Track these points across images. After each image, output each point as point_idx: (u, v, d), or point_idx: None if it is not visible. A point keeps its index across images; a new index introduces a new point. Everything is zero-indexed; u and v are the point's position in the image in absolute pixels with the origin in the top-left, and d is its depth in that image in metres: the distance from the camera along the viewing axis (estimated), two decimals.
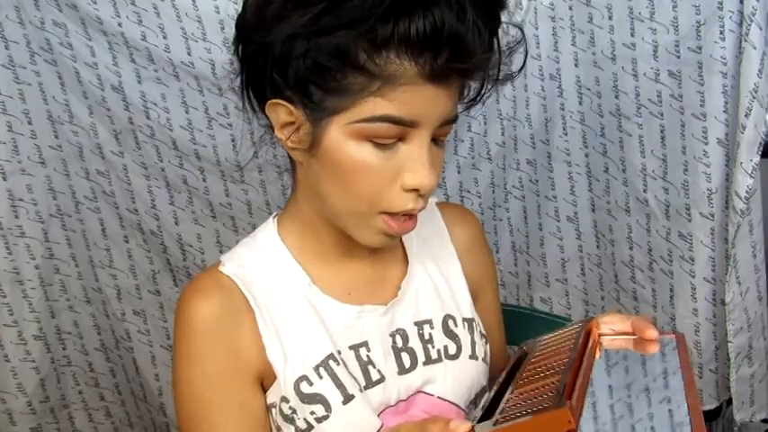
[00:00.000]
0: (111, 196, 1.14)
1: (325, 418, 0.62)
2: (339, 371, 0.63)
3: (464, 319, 0.71)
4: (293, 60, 0.55)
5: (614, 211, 1.08)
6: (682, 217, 0.99)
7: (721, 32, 0.87)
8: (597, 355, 0.57)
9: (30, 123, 1.07)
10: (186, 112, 1.07)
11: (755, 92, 0.85)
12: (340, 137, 0.57)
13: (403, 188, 0.58)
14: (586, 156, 1.09)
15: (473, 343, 0.70)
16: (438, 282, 0.72)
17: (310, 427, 0.62)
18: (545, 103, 1.07)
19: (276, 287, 0.66)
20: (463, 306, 0.72)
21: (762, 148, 0.88)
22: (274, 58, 0.56)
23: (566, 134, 1.08)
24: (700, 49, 0.90)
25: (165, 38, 1.01)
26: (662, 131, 0.97)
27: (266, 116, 0.61)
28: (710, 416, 1.10)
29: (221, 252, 1.11)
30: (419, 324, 0.69)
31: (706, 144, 0.93)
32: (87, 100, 1.08)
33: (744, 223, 0.91)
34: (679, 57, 0.92)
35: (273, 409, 0.64)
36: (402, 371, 0.67)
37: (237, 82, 0.64)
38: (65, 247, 1.15)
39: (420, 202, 0.60)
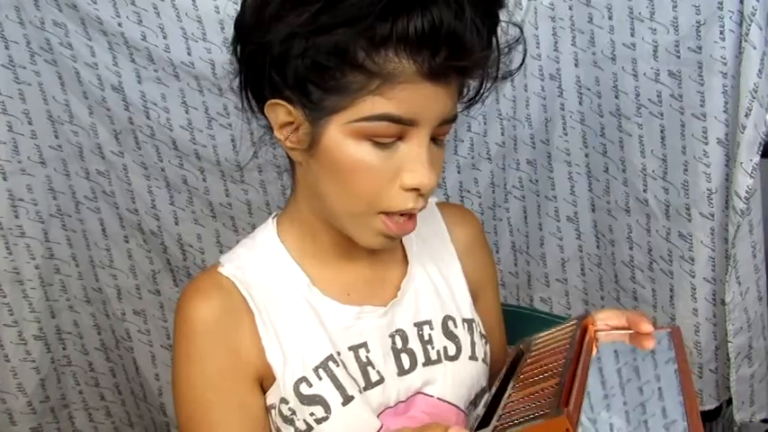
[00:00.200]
0: (111, 196, 1.15)
1: (325, 419, 0.62)
2: (338, 372, 0.63)
3: (464, 320, 0.71)
4: (292, 60, 0.55)
5: (614, 211, 1.08)
6: (682, 217, 0.99)
7: (721, 32, 0.87)
8: (594, 352, 0.57)
9: (30, 123, 1.07)
10: (186, 112, 1.07)
11: (755, 92, 0.85)
12: (339, 136, 0.57)
13: (402, 187, 0.58)
14: (586, 156, 1.09)
15: (473, 344, 0.70)
16: (438, 282, 0.72)
17: (310, 428, 0.62)
18: (545, 103, 1.07)
19: (275, 288, 0.66)
20: (463, 307, 0.72)
21: (762, 148, 0.88)
22: (273, 58, 0.56)
23: (566, 134, 1.08)
24: (700, 49, 0.90)
25: (165, 38, 1.01)
26: (662, 131, 0.97)
27: (265, 117, 0.61)
28: (710, 416, 1.10)
29: (221, 252, 1.11)
30: (419, 325, 0.69)
31: (706, 144, 0.93)
32: (87, 100, 1.08)
33: (744, 223, 0.91)
34: (679, 57, 0.92)
35: (273, 411, 0.64)
36: (401, 372, 0.67)
37: (237, 82, 0.64)
38: (65, 247, 1.15)
39: (420, 201, 0.60)
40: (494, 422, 0.49)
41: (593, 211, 1.12)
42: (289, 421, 0.63)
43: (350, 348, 0.65)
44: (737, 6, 0.85)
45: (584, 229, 1.13)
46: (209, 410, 0.63)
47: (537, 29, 1.03)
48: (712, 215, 0.96)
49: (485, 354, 0.72)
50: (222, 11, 0.99)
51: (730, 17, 0.86)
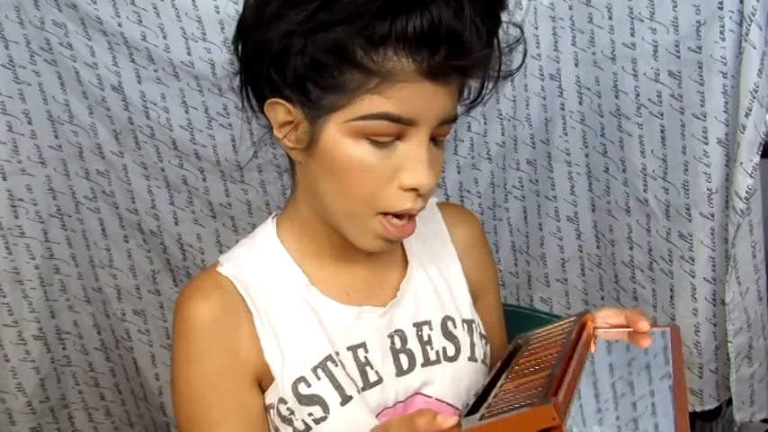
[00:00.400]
0: (111, 196, 1.14)
1: (323, 419, 0.62)
2: (337, 372, 0.63)
3: (464, 321, 0.71)
4: (291, 58, 0.55)
5: (614, 211, 1.08)
6: (682, 217, 0.99)
7: (721, 32, 0.87)
8: (592, 348, 0.57)
9: (30, 123, 1.07)
10: (186, 112, 1.07)
11: (755, 92, 0.85)
12: (337, 135, 0.57)
13: (401, 187, 0.58)
14: (586, 156, 1.09)
15: (472, 345, 0.70)
16: (438, 283, 0.72)
17: (308, 428, 0.62)
18: (545, 103, 1.07)
19: (274, 288, 0.66)
20: (463, 307, 0.72)
21: (762, 148, 0.88)
22: (272, 56, 0.56)
23: (566, 134, 1.08)
24: (700, 48, 0.90)
25: (164, 38, 1.01)
26: (662, 131, 0.97)
27: (266, 116, 0.61)
28: (710, 416, 1.10)
29: (221, 252, 1.11)
30: (418, 325, 0.69)
31: (706, 144, 0.93)
32: (87, 100, 1.08)
33: (744, 223, 0.91)
34: (679, 57, 0.92)
35: (271, 410, 0.64)
36: (400, 372, 0.66)
37: (237, 82, 0.64)
38: (65, 247, 1.15)
39: (419, 202, 0.59)
40: (482, 410, 0.49)
41: (593, 211, 1.12)
42: (287, 421, 0.63)
43: (349, 348, 0.65)
44: (737, 6, 0.85)
45: (585, 229, 1.13)
46: (209, 410, 0.63)
47: (537, 29, 1.03)
48: (712, 215, 0.96)
49: (484, 354, 0.71)
50: (222, 11, 0.99)
51: (730, 17, 0.86)
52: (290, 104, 0.58)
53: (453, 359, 0.69)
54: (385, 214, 0.59)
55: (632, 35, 0.95)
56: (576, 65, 1.03)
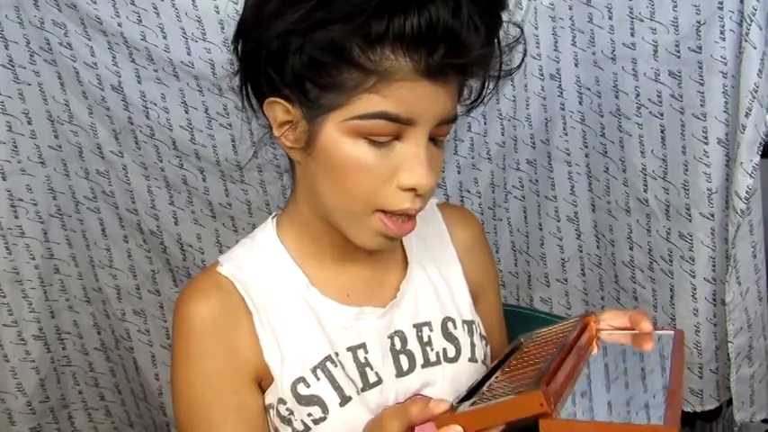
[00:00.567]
0: (111, 196, 1.14)
1: (323, 419, 0.62)
2: (337, 372, 0.63)
3: (464, 322, 0.71)
4: (289, 57, 0.55)
5: (614, 211, 1.08)
6: (682, 217, 0.99)
7: (721, 32, 0.87)
8: (595, 350, 0.57)
9: (29, 123, 1.07)
10: (186, 112, 1.07)
11: (756, 92, 0.85)
12: (335, 134, 0.57)
13: (399, 187, 0.58)
14: (586, 156, 1.09)
15: (472, 346, 0.70)
16: (438, 283, 0.72)
17: (307, 428, 0.62)
18: (545, 103, 1.07)
19: (274, 288, 0.66)
20: (463, 308, 0.72)
21: (762, 148, 0.88)
22: (271, 56, 0.56)
23: (566, 134, 1.08)
24: (700, 48, 0.90)
25: (164, 38, 1.01)
26: (662, 131, 0.97)
27: (265, 115, 0.61)
28: (710, 416, 1.10)
29: (221, 252, 1.11)
30: (418, 326, 0.69)
31: (706, 144, 0.93)
32: (87, 100, 1.08)
33: (744, 223, 0.91)
34: (679, 57, 0.92)
35: (271, 410, 0.64)
36: (400, 373, 0.66)
37: (237, 81, 0.64)
38: (65, 247, 1.15)
39: (417, 202, 0.59)
40: (474, 398, 0.50)
41: (593, 211, 1.12)
42: (286, 421, 0.63)
43: (348, 349, 0.65)
44: (737, 6, 0.85)
45: (584, 229, 1.13)
46: (209, 410, 0.63)
47: (537, 29, 1.03)
48: (712, 215, 0.95)
49: (485, 355, 0.71)
50: (222, 11, 0.99)
51: (730, 17, 0.86)
52: (288, 104, 0.58)
53: (454, 360, 0.69)
54: (385, 212, 0.59)
55: (632, 35, 0.95)
56: (576, 65, 1.03)
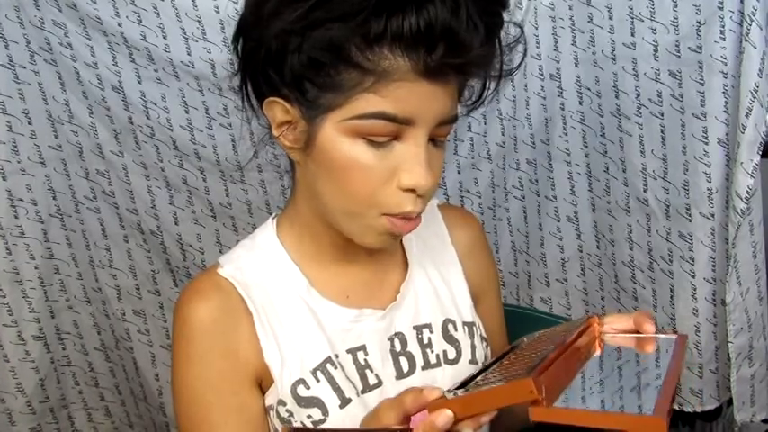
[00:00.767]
0: (111, 196, 1.14)
1: (322, 421, 0.62)
2: (336, 374, 0.63)
3: (464, 323, 0.71)
4: (288, 56, 0.55)
5: (614, 211, 1.08)
6: (682, 217, 0.99)
7: (721, 32, 0.87)
8: (597, 352, 0.57)
9: (30, 123, 1.07)
10: (186, 112, 1.07)
11: (756, 92, 0.85)
12: (334, 134, 0.57)
13: (399, 188, 0.58)
14: (586, 156, 1.09)
15: (473, 347, 0.70)
16: (438, 285, 0.72)
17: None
18: (545, 103, 1.07)
19: (274, 289, 0.66)
20: (464, 309, 0.72)
21: (762, 148, 0.88)
22: (270, 55, 0.56)
23: (566, 134, 1.08)
24: (700, 48, 0.90)
25: (164, 38, 1.01)
26: (662, 131, 0.97)
27: (265, 115, 0.61)
28: (710, 416, 1.10)
29: (221, 252, 1.11)
30: (418, 328, 0.69)
31: (706, 144, 0.93)
32: (87, 100, 1.08)
33: (744, 223, 0.91)
34: (679, 56, 0.92)
35: (271, 412, 0.64)
36: (400, 375, 0.66)
37: (237, 81, 0.64)
38: (65, 247, 1.15)
39: (419, 203, 0.59)
40: (469, 386, 0.51)
41: (593, 211, 1.12)
42: (286, 423, 0.63)
43: (348, 351, 0.65)
44: (738, 6, 0.85)
45: (584, 229, 1.13)
46: (209, 411, 0.63)
47: (537, 29, 1.03)
48: (712, 215, 0.95)
49: (485, 357, 0.71)
50: (222, 11, 0.99)
51: (730, 17, 0.86)
52: (287, 104, 0.58)
53: (454, 362, 0.69)
54: (388, 215, 0.59)
55: (632, 35, 0.95)
56: (576, 65, 1.03)
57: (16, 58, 1.04)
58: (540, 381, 0.45)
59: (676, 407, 1.07)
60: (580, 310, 1.18)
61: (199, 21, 1.00)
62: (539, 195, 1.14)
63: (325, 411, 0.62)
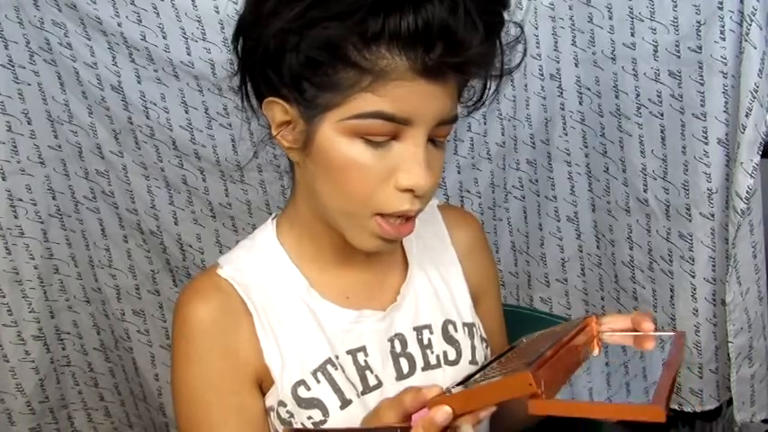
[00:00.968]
0: (111, 196, 1.14)
1: (323, 422, 0.62)
2: (337, 375, 0.63)
3: (464, 324, 0.71)
4: (286, 55, 0.55)
5: (614, 211, 1.08)
6: (682, 217, 0.99)
7: (721, 32, 0.87)
8: (596, 351, 0.57)
9: (29, 123, 1.07)
10: (186, 112, 1.07)
11: (756, 92, 0.85)
12: (332, 134, 0.56)
13: (397, 188, 0.57)
14: (586, 156, 1.09)
15: (473, 348, 0.70)
16: (438, 286, 0.72)
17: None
18: (545, 103, 1.07)
19: (274, 290, 0.66)
20: (464, 310, 0.72)
21: (762, 148, 0.88)
22: (269, 54, 0.56)
23: (566, 134, 1.08)
24: (700, 48, 0.90)
25: (164, 38, 1.01)
26: (662, 131, 0.97)
27: (264, 115, 0.61)
28: (710, 416, 1.10)
29: (221, 252, 1.10)
30: (418, 329, 0.69)
31: (706, 144, 0.93)
32: (87, 100, 1.08)
33: (744, 223, 0.91)
34: (679, 56, 0.92)
35: (271, 413, 0.64)
36: (400, 376, 0.66)
37: (237, 81, 0.64)
38: (64, 247, 1.15)
39: (416, 203, 0.59)
40: (468, 383, 0.51)
41: (593, 211, 1.12)
42: (287, 424, 0.63)
43: (348, 352, 0.65)
44: (737, 6, 0.85)
45: (584, 229, 1.13)
46: (209, 411, 0.63)
47: (537, 29, 1.03)
48: (712, 215, 0.95)
49: (485, 358, 0.71)
50: (222, 11, 0.99)
51: (730, 17, 0.86)
52: (286, 103, 0.58)
53: (454, 363, 0.69)
54: (382, 215, 0.59)
55: (632, 35, 0.95)
56: (576, 65, 1.03)
57: (16, 58, 1.04)
58: (538, 374, 0.45)
59: (676, 406, 1.07)
60: (580, 310, 1.18)
61: (199, 21, 1.00)
62: (539, 195, 1.14)
63: (325, 413, 0.62)
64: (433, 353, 0.68)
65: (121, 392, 1.27)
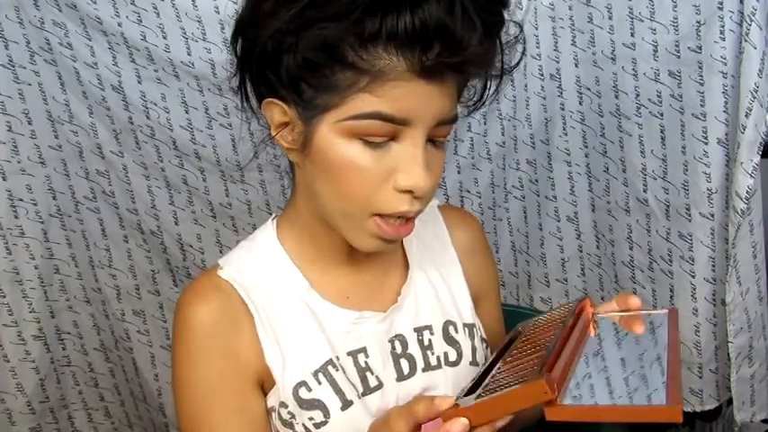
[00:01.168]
0: (111, 196, 1.14)
1: (324, 423, 0.62)
2: (338, 376, 0.63)
3: (465, 325, 0.71)
4: (284, 56, 0.55)
5: (614, 211, 1.08)
6: (682, 217, 0.99)
7: (721, 32, 0.87)
8: (592, 333, 0.57)
9: (30, 123, 1.07)
10: (186, 112, 1.07)
11: (756, 92, 0.85)
12: (330, 135, 0.56)
13: (396, 189, 0.57)
14: (586, 156, 1.09)
15: (473, 349, 0.70)
16: (439, 286, 0.72)
17: None
18: (545, 103, 1.07)
19: (275, 291, 0.65)
20: (464, 311, 0.72)
21: (762, 148, 0.88)
22: (267, 56, 0.56)
23: (566, 134, 1.08)
24: (700, 48, 0.90)
25: (165, 38, 1.01)
26: (662, 131, 0.97)
27: (264, 116, 0.61)
28: (710, 416, 1.10)
29: (221, 252, 1.11)
30: (419, 330, 0.69)
31: (706, 144, 0.93)
32: (87, 100, 1.08)
33: (744, 223, 0.91)
34: (679, 57, 0.92)
35: (273, 414, 0.64)
36: (401, 377, 0.66)
37: (236, 82, 0.63)
38: (64, 247, 1.15)
39: (416, 204, 0.58)
40: (479, 390, 0.50)
41: (593, 211, 1.12)
42: (288, 425, 0.63)
43: (349, 353, 0.65)
44: (737, 6, 0.85)
45: (584, 229, 1.13)
46: (210, 412, 0.62)
47: (537, 29, 1.03)
48: (712, 215, 0.95)
49: (485, 358, 0.71)
50: (222, 11, 0.99)
51: (730, 17, 0.86)
52: (285, 105, 0.58)
53: (455, 364, 0.68)
54: (381, 215, 0.59)
55: (632, 35, 0.95)
56: (576, 65, 1.03)
57: (16, 58, 1.04)
58: (552, 380, 0.44)
59: None
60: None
61: (199, 21, 1.00)
62: (539, 195, 1.14)
63: (326, 414, 0.62)
64: (433, 354, 0.68)
65: (121, 393, 1.27)
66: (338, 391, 0.62)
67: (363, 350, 0.65)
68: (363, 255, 0.66)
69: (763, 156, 0.89)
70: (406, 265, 0.72)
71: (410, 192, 0.57)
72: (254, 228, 0.72)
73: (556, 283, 1.18)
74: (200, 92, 1.06)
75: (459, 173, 1.14)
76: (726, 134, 0.91)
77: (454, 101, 0.58)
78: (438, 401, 0.50)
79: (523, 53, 0.62)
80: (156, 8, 1.00)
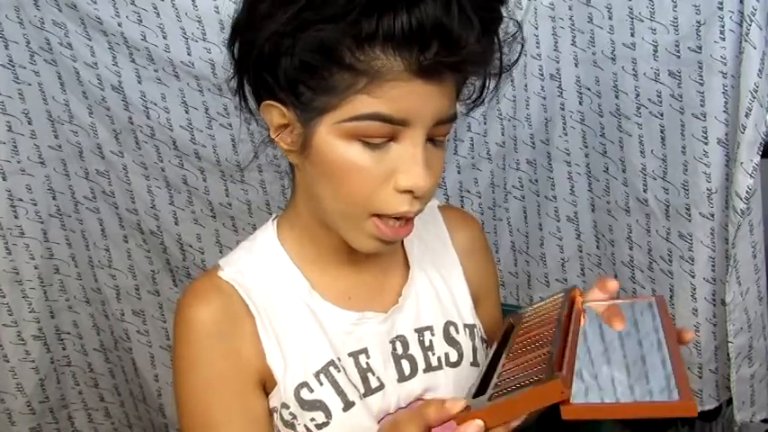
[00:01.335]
0: (111, 196, 1.14)
1: (326, 424, 0.62)
2: (339, 377, 0.63)
3: (465, 325, 0.71)
4: (281, 59, 0.55)
5: (614, 211, 1.08)
6: (682, 217, 0.99)
7: (721, 32, 0.87)
8: (582, 322, 0.57)
9: (29, 123, 1.07)
10: (186, 112, 1.07)
11: (756, 92, 0.85)
12: (329, 137, 0.56)
13: (396, 189, 0.57)
14: (586, 156, 1.09)
15: (474, 349, 0.70)
16: (439, 287, 0.71)
17: None
18: (545, 103, 1.07)
19: (276, 292, 0.65)
20: (464, 312, 0.72)
21: (762, 148, 0.88)
22: (264, 58, 0.56)
23: (566, 134, 1.08)
24: (700, 48, 0.90)
25: (165, 38, 1.01)
26: (662, 131, 0.97)
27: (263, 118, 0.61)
28: (710, 416, 1.10)
29: (221, 252, 1.11)
30: (419, 331, 0.68)
31: (706, 144, 0.93)
32: (87, 100, 1.08)
33: (744, 223, 0.91)
34: (679, 57, 0.92)
35: (274, 414, 0.64)
36: (402, 378, 0.66)
37: (235, 83, 0.63)
38: (64, 247, 1.15)
39: (416, 204, 0.58)
40: (490, 390, 0.49)
41: (593, 211, 1.12)
42: (290, 426, 0.63)
43: (350, 354, 0.65)
44: (737, 6, 0.85)
45: (584, 229, 1.13)
46: (211, 413, 0.62)
47: (537, 29, 1.03)
48: (712, 215, 0.96)
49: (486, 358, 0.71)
50: (222, 11, 0.99)
51: (730, 17, 0.86)
52: (283, 107, 0.58)
53: (456, 365, 0.68)
54: (380, 216, 0.58)
55: (632, 35, 0.95)
56: (576, 65, 1.03)
57: (16, 58, 1.04)
58: (566, 379, 0.44)
59: None
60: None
61: (199, 21, 1.00)
62: (539, 195, 1.14)
63: (328, 415, 0.62)
64: (434, 354, 0.68)
65: (121, 393, 1.27)
66: (340, 392, 0.62)
67: (364, 351, 0.65)
68: (364, 255, 0.66)
69: (763, 156, 0.89)
70: (407, 266, 0.72)
71: (410, 192, 0.57)
72: (254, 228, 0.72)
73: (556, 283, 1.18)
74: (200, 92, 1.06)
75: (459, 173, 1.14)
76: (726, 134, 0.91)
77: (453, 100, 0.58)
78: (449, 405, 0.49)
79: (521, 51, 0.62)
80: (156, 8, 1.00)
